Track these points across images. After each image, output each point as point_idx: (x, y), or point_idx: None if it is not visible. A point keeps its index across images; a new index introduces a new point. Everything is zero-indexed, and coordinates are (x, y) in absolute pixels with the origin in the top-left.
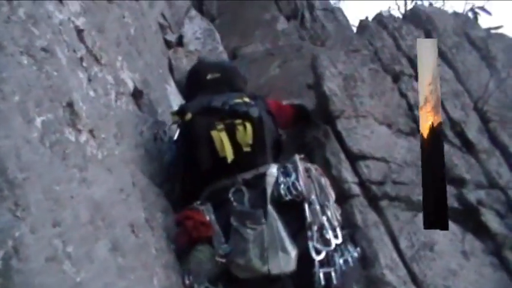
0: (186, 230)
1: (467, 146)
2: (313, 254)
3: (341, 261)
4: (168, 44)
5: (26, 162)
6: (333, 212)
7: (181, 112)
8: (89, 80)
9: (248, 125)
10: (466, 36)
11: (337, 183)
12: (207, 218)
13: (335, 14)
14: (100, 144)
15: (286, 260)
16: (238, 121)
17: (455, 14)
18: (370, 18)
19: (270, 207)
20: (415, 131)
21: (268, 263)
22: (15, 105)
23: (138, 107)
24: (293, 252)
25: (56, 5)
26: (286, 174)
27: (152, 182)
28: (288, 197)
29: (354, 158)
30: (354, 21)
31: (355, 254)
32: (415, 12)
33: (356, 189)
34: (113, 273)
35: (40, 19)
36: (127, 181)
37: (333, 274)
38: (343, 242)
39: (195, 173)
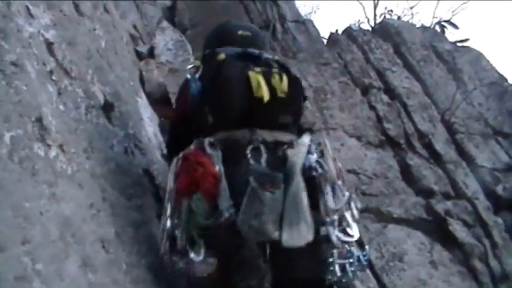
0: (193, 175)
1: (435, 157)
2: (335, 240)
3: (358, 256)
4: (139, 55)
5: None
6: (355, 207)
7: (211, 54)
8: (59, 93)
9: (284, 76)
10: (433, 49)
11: None
12: (217, 167)
13: (306, 26)
14: (70, 159)
15: (307, 231)
16: (275, 70)
17: (424, 28)
18: (340, 31)
19: (299, 176)
20: (384, 143)
21: (291, 231)
22: None
23: (108, 120)
24: (313, 225)
25: (26, 18)
26: (309, 151)
27: (123, 196)
28: (315, 173)
29: None
30: (325, 33)
31: (367, 254)
32: (384, 25)
33: None
34: None
35: (10, 33)
36: (97, 196)
37: (347, 266)
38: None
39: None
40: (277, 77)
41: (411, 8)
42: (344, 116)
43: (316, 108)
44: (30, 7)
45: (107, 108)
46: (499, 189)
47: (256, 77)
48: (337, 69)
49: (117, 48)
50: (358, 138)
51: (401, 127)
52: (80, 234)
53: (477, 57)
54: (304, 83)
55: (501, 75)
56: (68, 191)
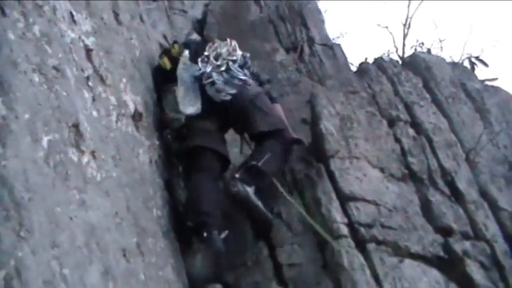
0: None
1: (457, 196)
2: (200, 64)
3: (217, 77)
4: None
5: (31, 183)
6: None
7: None
8: (93, 99)
9: (177, 45)
10: (462, 87)
11: (326, 222)
12: None
13: (334, 50)
14: (99, 166)
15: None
16: (175, 44)
17: (453, 64)
18: (367, 58)
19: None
20: (406, 177)
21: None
22: (25, 124)
23: (136, 129)
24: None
25: (69, 23)
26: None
27: (145, 207)
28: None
29: (344, 199)
30: (352, 58)
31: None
32: (414, 59)
33: (344, 229)
34: None
35: (53, 38)
36: (122, 205)
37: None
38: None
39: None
40: (175, 47)
41: (441, 41)
42: (369, 147)
43: (341, 136)
44: (74, 13)
45: (136, 117)
46: None
47: (163, 60)
48: (365, 99)
49: (149, 59)
50: (381, 170)
51: (425, 163)
52: (103, 242)
53: (506, 99)
54: (331, 110)
55: None
56: (95, 198)
